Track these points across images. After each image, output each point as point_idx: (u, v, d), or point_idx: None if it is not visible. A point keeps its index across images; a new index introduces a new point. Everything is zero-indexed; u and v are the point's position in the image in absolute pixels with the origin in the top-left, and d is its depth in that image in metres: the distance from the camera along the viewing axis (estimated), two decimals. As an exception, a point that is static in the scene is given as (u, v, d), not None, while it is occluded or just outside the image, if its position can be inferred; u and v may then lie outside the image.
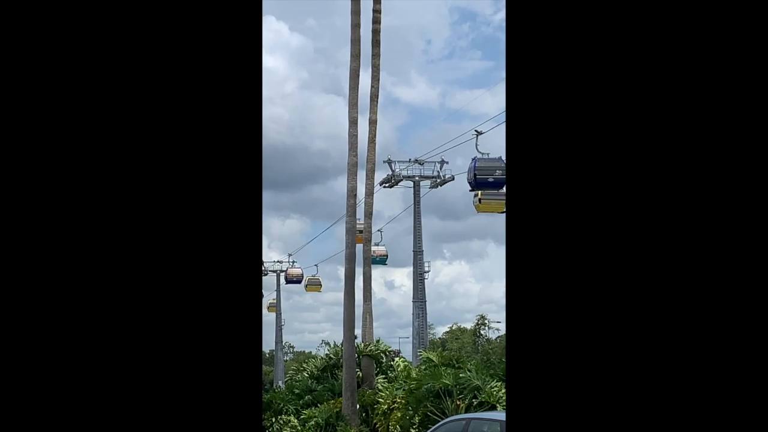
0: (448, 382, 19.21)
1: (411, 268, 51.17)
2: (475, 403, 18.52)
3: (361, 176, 27.25)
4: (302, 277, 77.50)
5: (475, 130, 42.50)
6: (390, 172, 50.80)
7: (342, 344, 26.49)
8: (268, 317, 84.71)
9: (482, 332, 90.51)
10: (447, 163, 50.70)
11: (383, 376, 26.99)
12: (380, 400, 22.90)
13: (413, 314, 49.83)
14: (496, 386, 18.59)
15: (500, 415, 13.03)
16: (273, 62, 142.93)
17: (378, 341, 28.81)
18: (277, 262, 79.68)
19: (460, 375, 19.43)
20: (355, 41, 25.99)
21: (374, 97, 27.19)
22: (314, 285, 76.65)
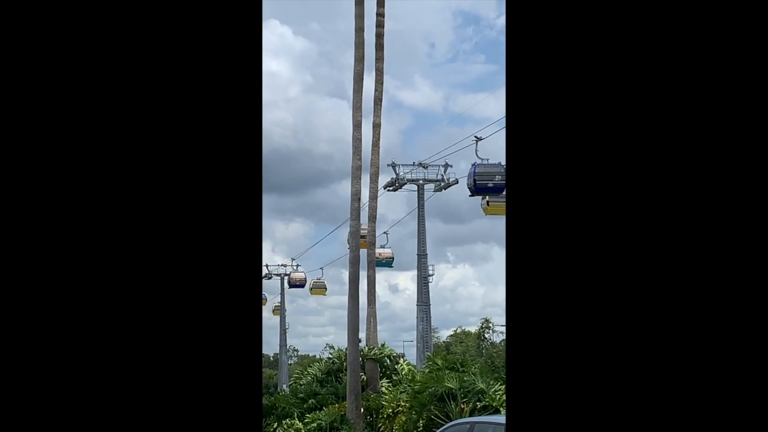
0: (452, 385, 19.19)
1: (415, 272, 51.17)
2: (479, 406, 18.49)
3: (365, 180, 27.29)
4: (305, 281, 77.49)
5: (475, 136, 43.01)
6: (394, 176, 50.81)
7: (346, 348, 26.50)
8: (272, 321, 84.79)
9: (486, 335, 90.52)
10: (451, 166, 50.74)
11: (387, 379, 26.99)
12: (384, 403, 22.89)
13: (417, 318, 49.80)
14: (500, 390, 18.55)
15: (504, 418, 13.02)
16: (277, 66, 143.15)
17: (383, 345, 28.80)
18: (282, 265, 79.75)
19: (465, 378, 19.41)
20: (359, 45, 26.02)
21: (378, 100, 27.22)
22: (319, 288, 76.62)
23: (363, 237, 28.22)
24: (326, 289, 77.26)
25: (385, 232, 55.69)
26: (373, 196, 27.77)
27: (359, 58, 25.97)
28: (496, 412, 17.59)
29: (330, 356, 31.28)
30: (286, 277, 78.51)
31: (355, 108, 26.08)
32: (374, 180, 27.79)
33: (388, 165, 49.90)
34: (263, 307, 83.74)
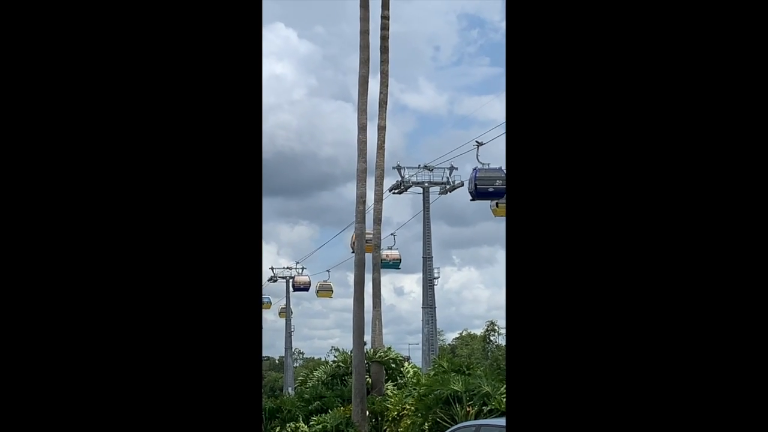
0: (457, 388, 19.16)
1: (420, 275, 51.13)
2: (485, 409, 18.47)
3: (370, 183, 27.26)
4: (309, 285, 77.44)
5: (476, 141, 43.45)
6: (399, 179, 50.78)
7: (351, 351, 26.48)
8: (278, 323, 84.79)
9: (492, 338, 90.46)
10: (456, 169, 50.68)
11: (393, 382, 26.97)
12: (390, 406, 22.88)
13: (423, 320, 49.75)
14: (505, 393, 18.52)
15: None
16: (281, 69, 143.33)
17: (388, 348, 28.78)
18: (287, 268, 79.75)
19: (470, 381, 19.38)
20: (364, 48, 26.02)
21: (383, 103, 27.20)
22: (326, 291, 76.50)
23: (368, 241, 28.20)
24: (333, 291, 77.16)
25: (392, 234, 55.68)
26: (378, 199, 27.75)
27: (364, 61, 25.96)
28: (502, 415, 17.56)
29: (335, 359, 31.27)
30: (290, 280, 78.54)
31: (360, 111, 26.09)
32: (379, 183, 27.77)
33: (393, 168, 49.92)
34: (268, 310, 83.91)
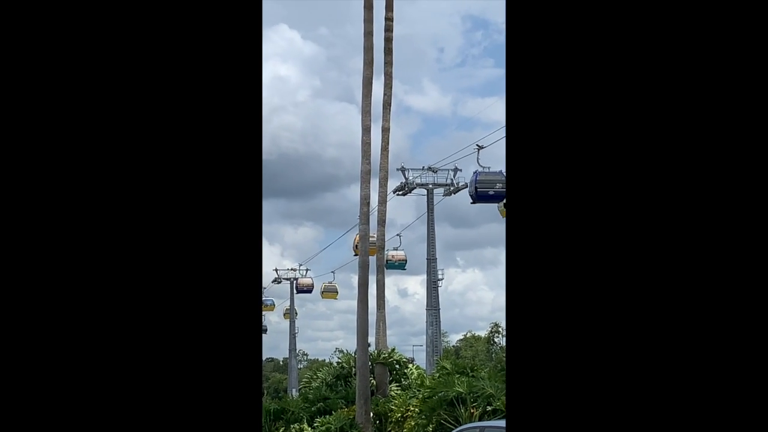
0: (461, 390, 19.16)
1: (425, 276, 51.14)
2: (488, 411, 18.46)
3: (374, 184, 27.25)
4: (312, 287, 77.39)
5: (477, 145, 43.57)
6: (403, 180, 50.81)
7: (355, 352, 26.47)
8: (282, 325, 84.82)
9: (496, 340, 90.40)
10: (460, 170, 50.71)
11: (397, 383, 26.97)
12: (394, 408, 22.87)
13: (427, 322, 49.75)
14: (509, 394, 18.48)
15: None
16: (285, 71, 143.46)
17: (392, 350, 28.77)
18: (291, 269, 79.75)
19: (474, 383, 19.38)
20: (368, 49, 26.02)
21: (387, 104, 27.21)
22: (330, 292, 76.39)
23: (372, 243, 28.20)
24: (337, 292, 77.06)
25: (398, 234, 55.69)
26: (383, 201, 27.74)
27: (368, 63, 25.96)
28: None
29: (339, 360, 31.26)
30: (294, 282, 78.51)
31: (364, 112, 26.09)
32: (383, 184, 27.77)
33: (397, 169, 49.90)
34: (272, 311, 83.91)
